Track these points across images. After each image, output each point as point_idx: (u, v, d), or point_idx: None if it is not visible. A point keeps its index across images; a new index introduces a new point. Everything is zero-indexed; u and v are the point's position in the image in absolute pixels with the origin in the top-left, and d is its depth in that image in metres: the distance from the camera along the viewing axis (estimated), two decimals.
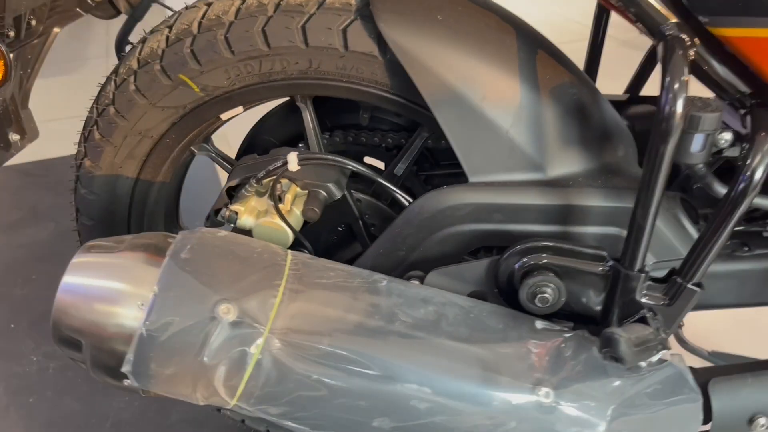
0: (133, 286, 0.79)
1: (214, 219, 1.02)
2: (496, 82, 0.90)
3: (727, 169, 0.89)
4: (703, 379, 0.91)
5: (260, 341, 0.76)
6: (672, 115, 0.74)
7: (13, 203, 2.31)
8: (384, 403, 0.78)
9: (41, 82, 1.16)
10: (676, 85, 0.74)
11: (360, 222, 1.04)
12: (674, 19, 0.77)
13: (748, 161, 0.78)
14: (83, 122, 1.10)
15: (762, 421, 0.91)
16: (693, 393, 0.86)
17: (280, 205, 0.97)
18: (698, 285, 0.84)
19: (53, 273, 1.91)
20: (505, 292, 0.91)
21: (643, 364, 0.80)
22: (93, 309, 0.78)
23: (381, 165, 1.25)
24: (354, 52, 0.93)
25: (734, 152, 0.82)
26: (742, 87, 0.83)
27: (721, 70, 0.82)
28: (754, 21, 0.78)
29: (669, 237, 0.93)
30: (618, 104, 1.05)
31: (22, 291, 1.89)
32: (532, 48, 0.93)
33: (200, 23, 0.96)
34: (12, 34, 1.01)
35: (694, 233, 0.96)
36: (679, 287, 0.84)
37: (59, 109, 2.56)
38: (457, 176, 1.23)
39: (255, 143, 1.27)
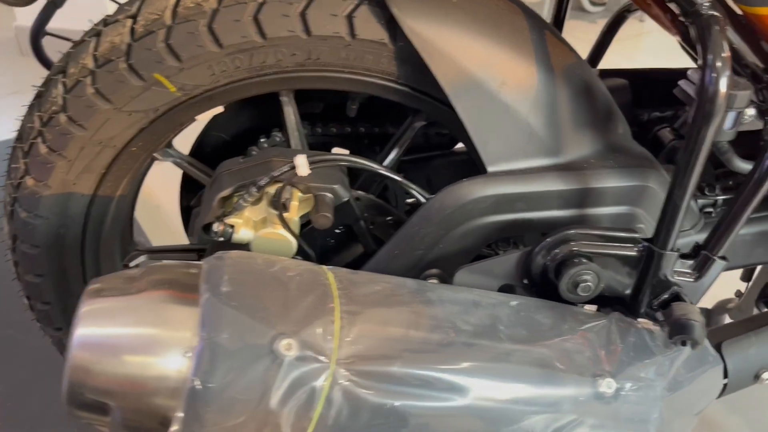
0: (171, 330, 0.67)
1: (204, 236, 0.89)
2: (513, 66, 0.86)
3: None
4: (714, 342, 0.95)
5: (327, 375, 0.68)
6: (716, 95, 0.74)
7: None
8: (464, 420, 0.73)
9: None
10: (719, 64, 0.73)
11: (362, 222, 0.96)
12: None
13: None
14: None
15: (766, 375, 0.98)
16: (714, 358, 0.90)
17: (285, 214, 0.87)
18: (723, 258, 0.87)
19: None
20: (537, 284, 0.88)
21: None
22: (124, 363, 0.66)
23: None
24: (362, 40, 0.84)
25: (753, 126, 0.85)
26: (755, 60, 0.85)
27: (740, 45, 0.84)
28: None
29: None
30: None
31: None
32: (539, 29, 0.90)
33: (175, 12, 0.83)
34: None
35: (694, 205, 0.99)
36: (707, 261, 0.86)
37: None
38: (425, 161, 1.19)
39: (205, 142, 1.14)
